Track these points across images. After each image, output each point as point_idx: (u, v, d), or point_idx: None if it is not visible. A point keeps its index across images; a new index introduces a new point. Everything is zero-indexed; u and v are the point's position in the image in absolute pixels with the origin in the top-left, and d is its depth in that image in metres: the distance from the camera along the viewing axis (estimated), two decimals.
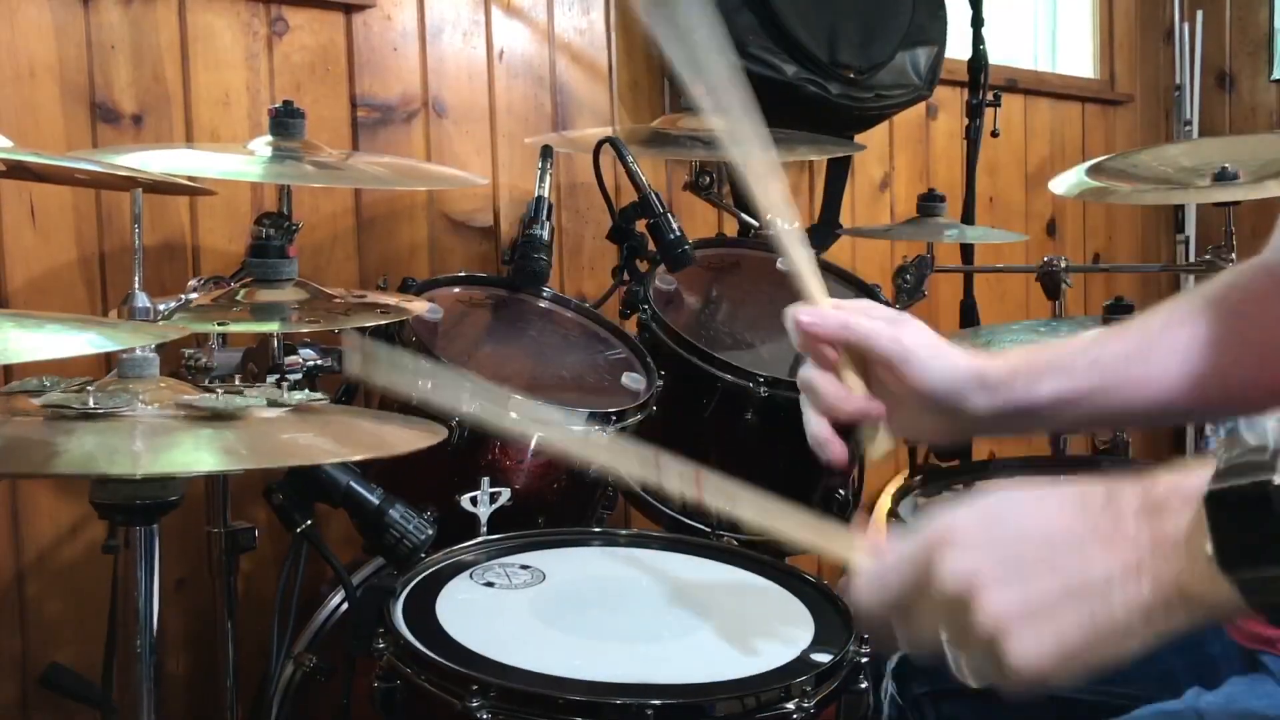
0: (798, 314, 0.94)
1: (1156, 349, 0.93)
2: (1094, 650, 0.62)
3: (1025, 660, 0.63)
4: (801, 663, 1.12)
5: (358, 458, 1.09)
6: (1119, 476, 0.65)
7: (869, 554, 0.72)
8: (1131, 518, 0.62)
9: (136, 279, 1.11)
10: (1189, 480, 0.62)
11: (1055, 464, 2.20)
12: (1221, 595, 0.60)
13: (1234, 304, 0.93)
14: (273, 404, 1.08)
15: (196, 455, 0.96)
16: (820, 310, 0.94)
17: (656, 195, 1.75)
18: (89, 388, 1.04)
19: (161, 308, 1.20)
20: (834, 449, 0.97)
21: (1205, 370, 0.91)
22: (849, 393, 0.95)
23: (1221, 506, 0.60)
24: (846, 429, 0.99)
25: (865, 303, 0.97)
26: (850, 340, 0.93)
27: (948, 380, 0.92)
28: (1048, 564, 0.62)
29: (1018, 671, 0.63)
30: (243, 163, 1.53)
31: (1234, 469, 0.60)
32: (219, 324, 1.33)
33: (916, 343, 0.92)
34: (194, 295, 1.38)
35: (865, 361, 0.95)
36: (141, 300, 1.11)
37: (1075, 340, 0.97)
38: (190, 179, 1.39)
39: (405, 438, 1.13)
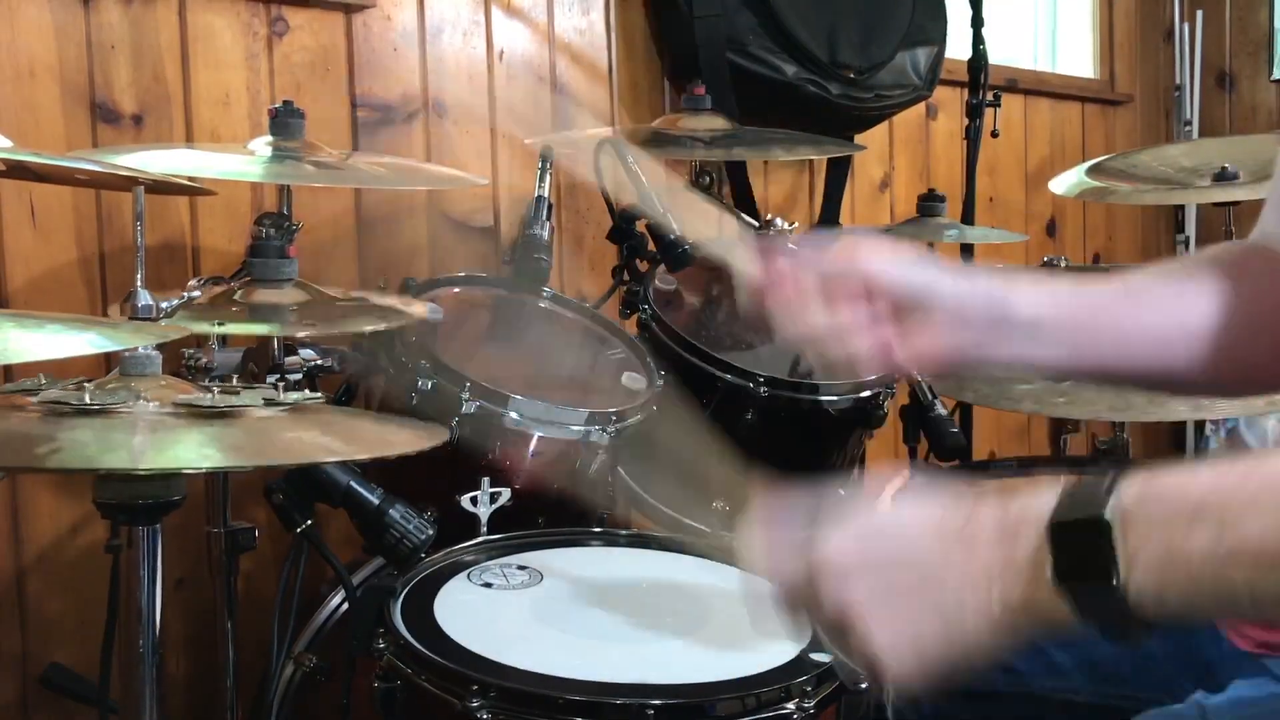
0: (771, 264, 0.95)
1: (1145, 295, 0.95)
2: (951, 657, 0.71)
3: (893, 669, 0.72)
4: (801, 663, 1.12)
5: (362, 457, 1.09)
6: (993, 487, 0.73)
7: (762, 552, 0.78)
8: (985, 543, 0.70)
9: (139, 276, 1.11)
10: (1038, 506, 0.69)
11: (1055, 463, 2.20)
12: (1060, 610, 0.68)
13: (1226, 271, 0.96)
14: (269, 403, 1.08)
15: (200, 452, 0.96)
16: (790, 255, 0.95)
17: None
18: (86, 384, 1.04)
19: (165, 305, 1.20)
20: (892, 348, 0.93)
21: (1194, 326, 0.93)
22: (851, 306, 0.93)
23: (1061, 535, 0.68)
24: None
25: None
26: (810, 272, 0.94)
27: (922, 275, 0.92)
28: (912, 589, 0.71)
29: (887, 676, 0.72)
30: (243, 163, 1.53)
31: (1074, 502, 0.68)
32: (217, 323, 1.33)
33: (874, 250, 0.93)
34: (196, 295, 1.38)
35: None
36: (144, 298, 1.11)
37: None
38: (190, 179, 1.39)
39: (407, 438, 1.13)
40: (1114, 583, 0.66)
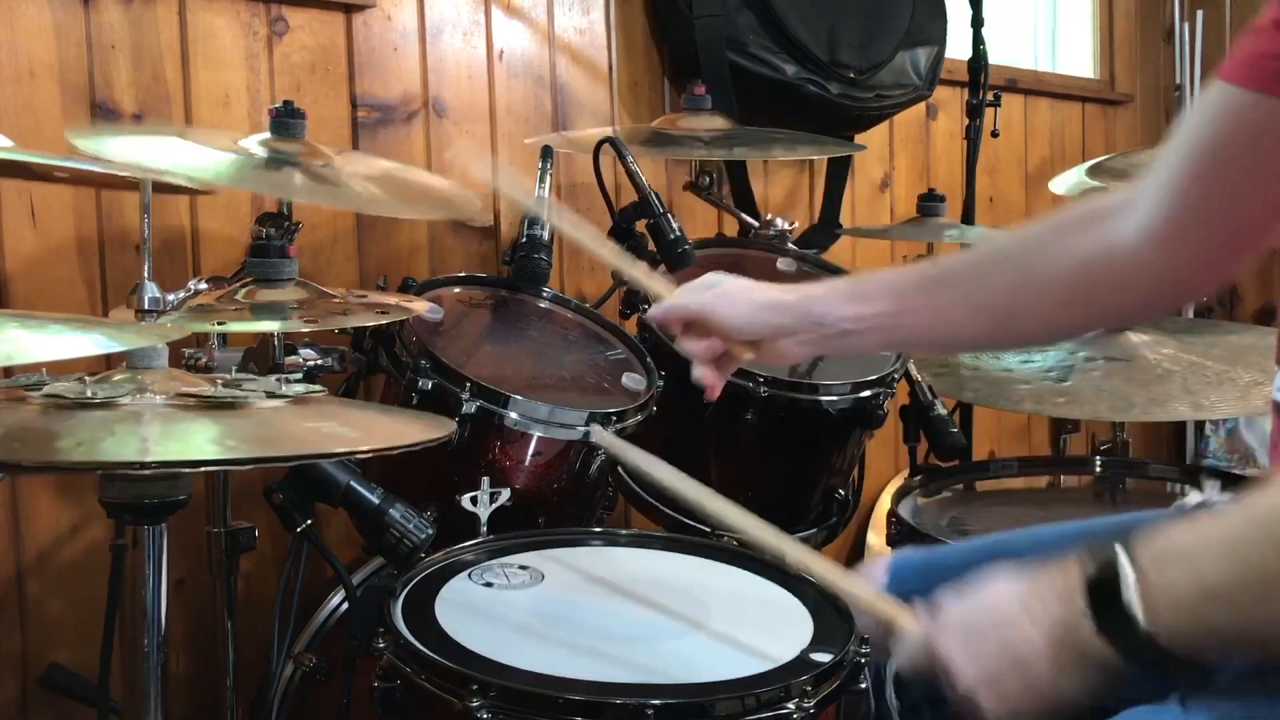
0: (649, 313, 1.20)
1: (944, 280, 1.12)
2: (1037, 703, 0.85)
3: (990, 712, 0.87)
4: (801, 663, 1.12)
5: (378, 447, 1.08)
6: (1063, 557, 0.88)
7: (908, 624, 0.95)
8: (1052, 601, 0.85)
9: (146, 268, 1.11)
10: (1080, 567, 0.84)
11: (1053, 463, 2.20)
12: (1108, 655, 0.81)
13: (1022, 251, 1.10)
14: (271, 395, 1.07)
15: (222, 447, 0.96)
16: (660, 304, 1.21)
17: (656, 195, 1.75)
18: (88, 378, 1.03)
19: (170, 298, 1.20)
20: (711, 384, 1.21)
21: (989, 304, 1.10)
22: (701, 342, 1.19)
23: (1092, 591, 0.82)
24: None
25: (705, 278, 1.20)
26: (677, 317, 1.20)
27: (746, 319, 1.15)
28: (998, 645, 0.87)
29: (982, 712, 0.88)
30: (235, 168, 1.51)
31: (1102, 565, 0.82)
32: (218, 324, 1.33)
33: (717, 301, 1.17)
34: (200, 290, 1.38)
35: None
36: (151, 290, 1.11)
37: (877, 271, 1.20)
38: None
39: (417, 429, 1.12)
40: (1139, 626, 0.79)
